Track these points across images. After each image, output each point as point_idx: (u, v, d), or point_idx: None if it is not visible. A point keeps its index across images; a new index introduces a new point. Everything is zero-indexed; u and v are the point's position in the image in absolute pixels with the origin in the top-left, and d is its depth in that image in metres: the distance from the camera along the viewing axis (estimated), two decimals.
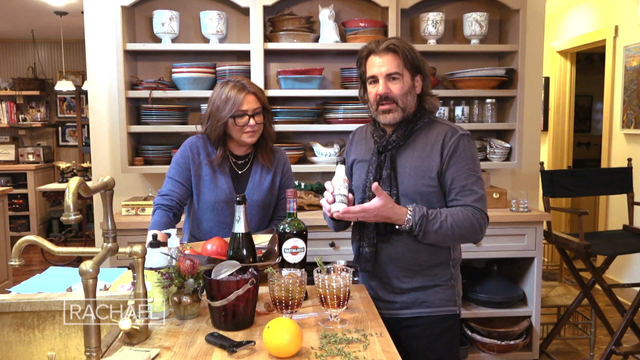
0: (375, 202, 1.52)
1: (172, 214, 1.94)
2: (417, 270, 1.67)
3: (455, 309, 1.71)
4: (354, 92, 2.98)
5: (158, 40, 3.02)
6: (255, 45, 2.89)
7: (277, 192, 2.09)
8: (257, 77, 2.89)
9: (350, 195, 1.60)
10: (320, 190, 3.09)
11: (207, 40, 3.04)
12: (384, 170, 1.66)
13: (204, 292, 1.37)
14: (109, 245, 1.28)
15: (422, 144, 1.66)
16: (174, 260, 1.42)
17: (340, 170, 1.59)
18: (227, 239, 1.64)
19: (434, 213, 1.57)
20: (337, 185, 1.56)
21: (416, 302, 1.68)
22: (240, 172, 2.05)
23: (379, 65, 1.63)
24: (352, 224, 1.80)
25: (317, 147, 3.05)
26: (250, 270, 1.41)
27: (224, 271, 1.37)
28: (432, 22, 2.99)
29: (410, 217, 1.55)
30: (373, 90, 1.66)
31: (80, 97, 6.70)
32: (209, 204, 2.00)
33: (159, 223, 1.88)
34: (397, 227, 1.57)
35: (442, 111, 3.08)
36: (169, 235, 1.61)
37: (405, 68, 1.63)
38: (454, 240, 1.63)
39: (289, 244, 1.58)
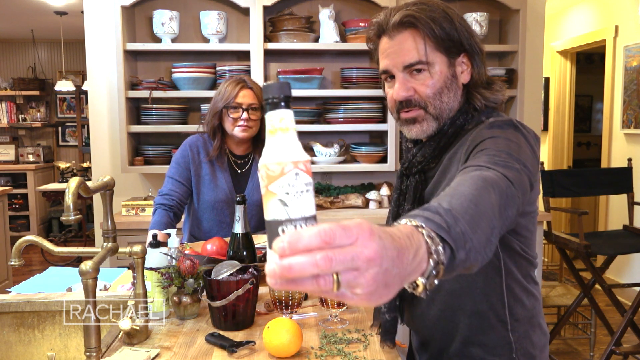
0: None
1: (172, 213, 1.94)
2: (455, 334, 1.13)
3: None
4: (354, 92, 2.98)
5: (158, 40, 3.02)
6: (255, 45, 2.89)
7: None
8: (257, 77, 2.89)
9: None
10: (320, 191, 3.09)
11: (207, 40, 3.04)
12: (406, 203, 1.12)
13: (204, 292, 1.37)
14: (109, 245, 1.28)
15: (450, 156, 1.08)
16: (174, 260, 1.42)
17: (289, 135, 0.64)
18: (227, 239, 1.64)
19: (437, 203, 0.72)
20: (289, 183, 0.60)
21: None
22: (240, 172, 2.05)
23: (393, 52, 1.06)
24: None
25: (317, 147, 3.05)
26: (250, 270, 1.41)
27: (224, 271, 1.37)
28: None
29: (424, 229, 0.63)
30: (390, 91, 1.10)
31: (80, 97, 6.70)
32: (208, 203, 2.01)
33: (159, 223, 1.88)
34: (421, 281, 0.62)
35: None
36: (169, 235, 1.61)
37: (437, 50, 1.05)
38: (496, 214, 0.77)
39: None
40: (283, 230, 0.57)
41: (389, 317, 1.17)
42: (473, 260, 0.70)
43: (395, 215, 1.16)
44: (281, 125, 0.62)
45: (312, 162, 3.07)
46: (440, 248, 0.63)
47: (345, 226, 0.51)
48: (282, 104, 0.62)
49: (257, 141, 2.05)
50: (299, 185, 0.59)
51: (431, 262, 0.61)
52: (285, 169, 0.59)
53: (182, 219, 2.14)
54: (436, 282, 0.63)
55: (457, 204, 0.72)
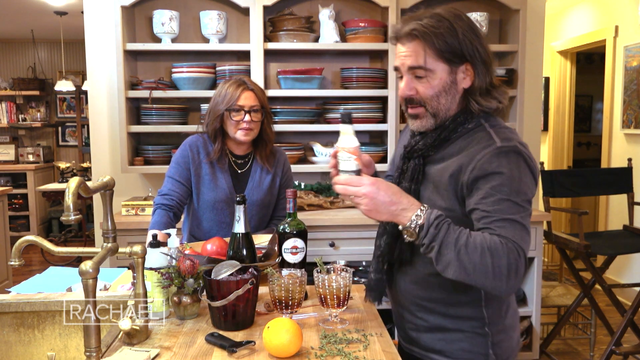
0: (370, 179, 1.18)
1: (172, 213, 1.94)
2: (431, 307, 1.33)
3: None
4: (354, 92, 2.98)
5: (158, 40, 3.02)
6: (255, 45, 2.89)
7: (277, 192, 2.09)
8: (257, 77, 2.89)
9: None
10: (320, 190, 3.09)
11: (207, 40, 3.04)
12: (404, 181, 1.32)
13: (204, 292, 1.37)
14: (109, 245, 1.28)
15: (455, 156, 1.25)
16: (174, 260, 1.42)
17: (347, 135, 1.23)
18: (227, 239, 1.64)
19: (451, 223, 1.15)
20: (341, 157, 1.23)
21: (434, 348, 1.34)
22: (240, 172, 2.05)
23: (403, 54, 1.25)
24: None
25: (317, 147, 3.05)
26: (250, 270, 1.41)
27: (224, 271, 1.37)
28: None
29: (421, 213, 1.14)
30: (401, 86, 1.29)
31: (80, 97, 6.70)
32: (208, 203, 2.01)
33: (159, 223, 1.88)
34: (399, 227, 1.18)
35: None
36: (169, 235, 1.61)
37: (439, 59, 1.21)
38: (476, 272, 1.11)
39: (289, 244, 1.58)
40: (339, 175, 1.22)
41: (374, 277, 1.39)
42: (437, 260, 1.14)
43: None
44: (341, 130, 1.24)
45: (312, 162, 3.07)
46: (419, 223, 1.15)
47: (360, 177, 1.19)
48: (345, 121, 1.24)
49: (257, 141, 2.04)
50: (345, 156, 1.22)
51: (408, 223, 1.16)
52: (339, 149, 1.23)
53: (182, 219, 2.14)
54: (411, 238, 1.16)
55: (458, 236, 1.13)
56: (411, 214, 1.15)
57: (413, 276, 1.33)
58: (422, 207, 1.16)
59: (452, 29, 1.20)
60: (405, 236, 1.17)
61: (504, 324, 1.32)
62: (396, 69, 1.29)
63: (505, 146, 1.18)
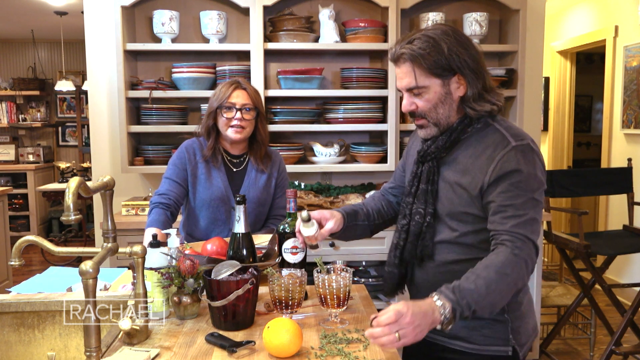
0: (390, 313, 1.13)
1: (169, 212, 1.95)
2: None
3: (506, 349, 1.37)
4: (354, 92, 2.98)
5: (158, 40, 3.02)
6: (255, 45, 2.89)
7: (273, 191, 2.10)
8: (257, 77, 2.89)
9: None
10: (320, 191, 3.09)
11: (207, 40, 3.04)
12: (421, 183, 1.40)
13: (204, 292, 1.37)
14: (109, 245, 1.28)
15: (469, 155, 1.35)
16: (174, 260, 1.42)
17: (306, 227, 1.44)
18: (227, 239, 1.64)
19: (461, 282, 1.20)
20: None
21: (457, 335, 1.39)
22: (235, 170, 2.06)
23: (400, 77, 1.36)
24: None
25: (317, 147, 3.05)
26: (250, 270, 1.41)
27: (224, 271, 1.37)
28: (432, 22, 2.99)
29: (438, 299, 1.17)
30: (404, 103, 1.41)
31: (80, 97, 6.70)
32: (204, 201, 2.02)
33: (157, 221, 1.88)
34: (439, 327, 1.17)
35: None
36: (168, 234, 1.61)
37: (430, 75, 1.31)
38: (509, 291, 1.23)
39: (289, 244, 1.58)
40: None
41: (387, 270, 1.48)
42: (481, 313, 1.19)
43: (408, 193, 1.44)
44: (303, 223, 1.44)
45: (312, 162, 3.07)
46: (447, 312, 1.15)
47: (390, 312, 1.12)
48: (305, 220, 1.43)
49: (252, 142, 2.05)
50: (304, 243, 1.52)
51: (441, 318, 1.15)
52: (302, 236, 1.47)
53: (178, 219, 2.15)
54: (451, 326, 1.16)
55: (475, 286, 1.18)
56: (437, 308, 1.16)
57: (436, 268, 1.40)
58: (432, 296, 1.17)
59: (438, 46, 1.29)
60: (444, 327, 1.16)
61: (521, 310, 1.40)
62: (398, 89, 1.41)
63: (520, 144, 1.30)
